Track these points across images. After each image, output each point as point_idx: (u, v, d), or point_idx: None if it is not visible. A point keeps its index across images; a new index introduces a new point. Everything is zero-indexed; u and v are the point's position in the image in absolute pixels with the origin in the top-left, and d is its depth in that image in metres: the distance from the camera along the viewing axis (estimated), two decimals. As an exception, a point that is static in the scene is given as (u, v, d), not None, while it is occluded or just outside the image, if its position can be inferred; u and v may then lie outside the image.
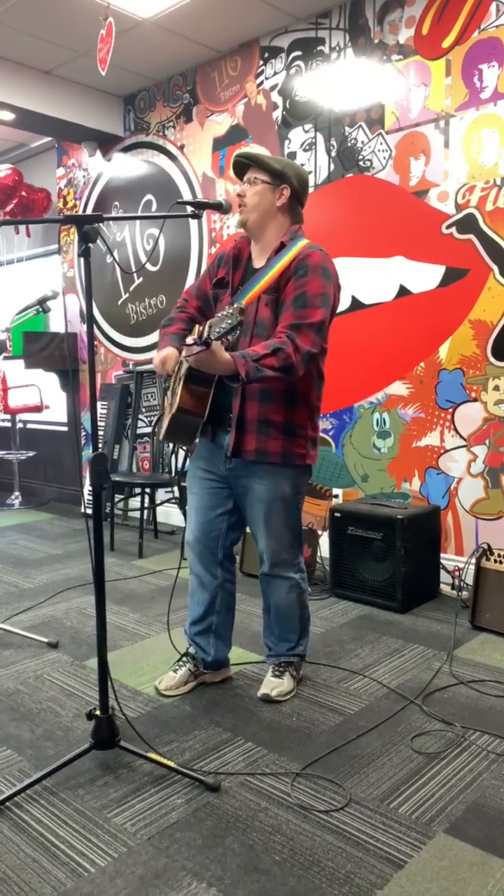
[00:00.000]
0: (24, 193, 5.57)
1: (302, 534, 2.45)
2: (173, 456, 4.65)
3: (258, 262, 2.33)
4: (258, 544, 2.40)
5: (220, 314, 1.93)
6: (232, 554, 2.48)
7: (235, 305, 1.91)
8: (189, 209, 2.17)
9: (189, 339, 1.99)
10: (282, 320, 2.18)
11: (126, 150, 5.15)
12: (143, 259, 5.11)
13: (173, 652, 2.65)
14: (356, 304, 3.78)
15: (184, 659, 2.52)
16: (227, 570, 2.45)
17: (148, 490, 4.64)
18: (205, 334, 1.95)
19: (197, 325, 2.41)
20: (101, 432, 5.30)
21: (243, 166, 2.34)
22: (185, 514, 4.37)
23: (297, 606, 2.45)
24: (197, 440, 2.34)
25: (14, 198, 5.52)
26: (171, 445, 4.57)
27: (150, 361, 5.14)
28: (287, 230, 2.32)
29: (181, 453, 4.41)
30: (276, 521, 2.33)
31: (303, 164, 3.97)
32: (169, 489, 4.84)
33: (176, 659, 2.56)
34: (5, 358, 4.95)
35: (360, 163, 3.79)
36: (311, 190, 3.46)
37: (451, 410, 3.53)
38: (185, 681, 2.47)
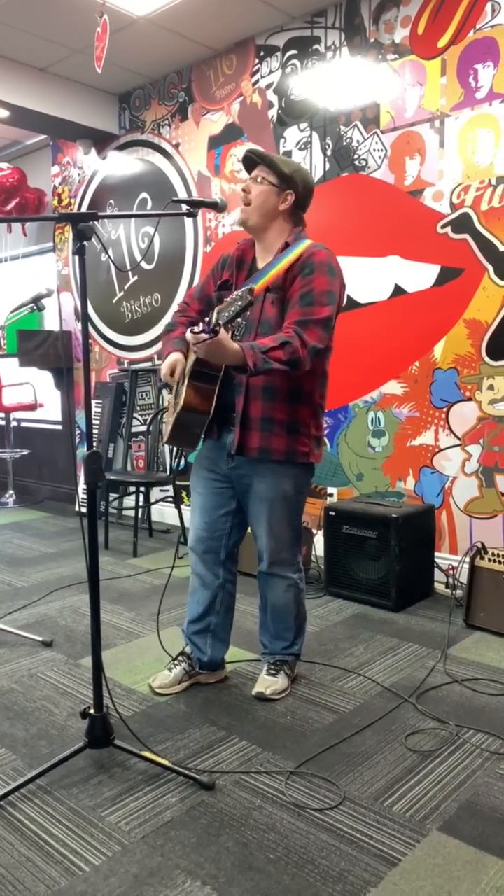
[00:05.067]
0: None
1: (302, 533, 2.44)
2: (171, 454, 4.64)
3: (262, 264, 2.30)
4: (257, 542, 2.39)
5: (227, 299, 1.90)
6: (235, 554, 2.47)
7: (245, 288, 1.87)
8: (184, 207, 2.15)
9: (196, 328, 1.94)
10: (288, 317, 2.17)
11: (121, 147, 5.14)
12: (138, 257, 5.10)
13: (168, 651, 2.65)
14: (351, 304, 3.78)
15: (179, 658, 2.52)
16: (228, 570, 2.45)
17: (143, 489, 4.64)
18: (213, 321, 1.92)
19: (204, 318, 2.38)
20: (95, 431, 5.29)
21: (253, 162, 2.32)
22: (180, 512, 4.37)
23: (293, 605, 2.44)
24: (201, 443, 2.31)
25: (15, 197, 5.50)
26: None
27: (144, 360, 5.14)
28: (290, 232, 2.31)
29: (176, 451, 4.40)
30: (277, 520, 2.33)
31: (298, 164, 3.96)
32: (164, 488, 4.83)
33: (172, 658, 2.56)
34: None
35: (356, 162, 3.79)
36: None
37: (445, 409, 3.53)
38: (180, 680, 2.47)
